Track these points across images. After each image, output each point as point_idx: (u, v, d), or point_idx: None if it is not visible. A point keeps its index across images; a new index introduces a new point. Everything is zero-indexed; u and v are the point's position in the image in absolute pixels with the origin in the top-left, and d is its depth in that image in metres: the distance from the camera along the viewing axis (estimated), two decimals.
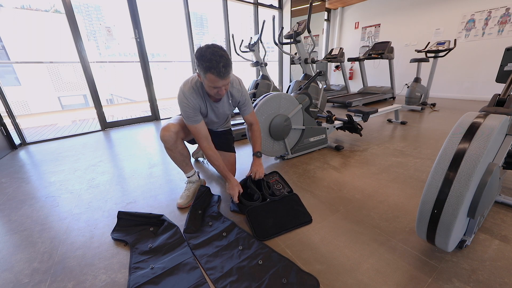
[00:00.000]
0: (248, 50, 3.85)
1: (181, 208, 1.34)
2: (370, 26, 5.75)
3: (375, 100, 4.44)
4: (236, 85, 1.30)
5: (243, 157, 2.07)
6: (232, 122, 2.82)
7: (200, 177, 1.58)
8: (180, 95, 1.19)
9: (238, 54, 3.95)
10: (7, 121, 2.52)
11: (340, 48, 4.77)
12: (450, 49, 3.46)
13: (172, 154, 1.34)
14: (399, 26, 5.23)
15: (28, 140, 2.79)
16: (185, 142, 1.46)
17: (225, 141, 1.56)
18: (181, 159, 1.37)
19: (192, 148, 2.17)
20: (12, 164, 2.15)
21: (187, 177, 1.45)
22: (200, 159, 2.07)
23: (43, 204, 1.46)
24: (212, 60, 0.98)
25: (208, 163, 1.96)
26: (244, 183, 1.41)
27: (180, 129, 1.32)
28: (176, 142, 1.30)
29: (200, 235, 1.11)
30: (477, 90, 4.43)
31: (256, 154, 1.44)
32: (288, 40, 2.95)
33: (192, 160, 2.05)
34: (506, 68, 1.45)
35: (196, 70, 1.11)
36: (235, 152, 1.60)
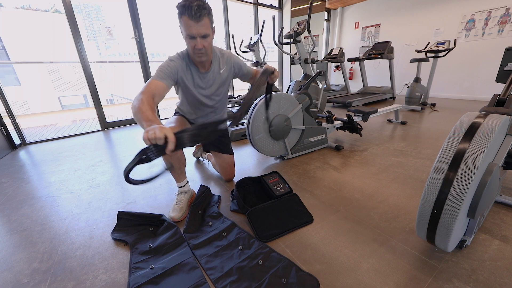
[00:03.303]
0: (248, 50, 3.86)
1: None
2: (370, 26, 5.75)
3: (375, 100, 4.44)
4: (225, 52, 1.27)
5: (243, 157, 2.07)
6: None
7: (196, 180, 1.53)
8: (168, 58, 1.14)
9: (238, 54, 3.95)
10: (7, 121, 2.52)
11: (340, 48, 4.77)
12: (450, 49, 3.46)
13: (169, 159, 1.24)
14: (399, 26, 5.23)
15: (28, 140, 2.79)
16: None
17: (221, 142, 1.50)
18: (177, 166, 1.29)
19: (189, 150, 2.17)
20: (12, 164, 2.15)
21: (179, 187, 1.34)
22: (201, 158, 2.05)
23: (43, 204, 1.46)
24: (186, 1, 0.94)
25: (209, 163, 1.95)
26: (243, 184, 1.38)
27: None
28: None
29: (200, 235, 1.11)
30: (477, 90, 4.43)
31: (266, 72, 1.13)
32: (288, 40, 2.95)
33: (193, 159, 2.05)
34: (506, 68, 1.45)
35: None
36: (233, 154, 1.59)
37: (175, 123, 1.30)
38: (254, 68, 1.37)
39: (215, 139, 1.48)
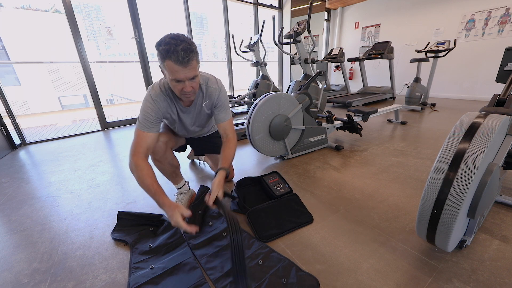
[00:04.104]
0: (248, 50, 3.85)
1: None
2: (370, 26, 5.75)
3: (375, 100, 4.44)
4: (212, 83, 1.11)
5: (243, 157, 2.07)
6: None
7: (195, 181, 1.52)
8: (147, 95, 1.02)
9: (238, 54, 3.95)
10: (7, 121, 2.52)
11: (340, 48, 4.77)
12: (450, 49, 3.46)
13: (161, 166, 1.23)
14: (399, 26, 5.23)
15: (28, 140, 2.79)
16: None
17: (213, 144, 1.45)
18: (170, 170, 1.27)
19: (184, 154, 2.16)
20: (12, 164, 2.15)
21: (177, 189, 1.36)
22: (196, 160, 2.02)
23: (43, 204, 1.46)
24: (170, 44, 0.82)
25: (205, 164, 1.93)
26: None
27: (169, 138, 1.21)
28: (165, 152, 1.20)
29: (200, 235, 1.11)
30: (477, 90, 4.43)
31: (225, 169, 1.05)
32: (288, 40, 2.94)
33: (188, 161, 2.03)
34: (506, 68, 1.45)
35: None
36: None
37: (166, 130, 1.27)
38: (229, 125, 1.17)
39: (206, 142, 1.44)
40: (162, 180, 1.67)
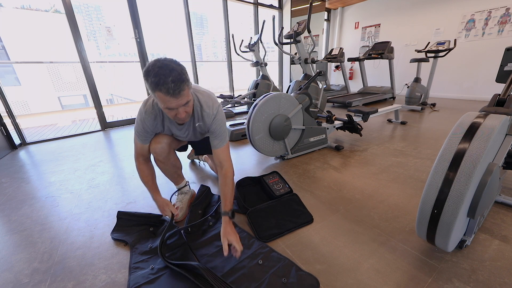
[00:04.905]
0: (248, 50, 3.85)
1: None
2: (370, 26, 5.75)
3: (375, 100, 4.44)
4: (207, 108, 1.03)
5: (243, 157, 2.07)
6: (231, 122, 2.83)
7: (195, 181, 1.51)
8: (140, 110, 1.02)
9: (238, 54, 3.95)
10: (7, 121, 2.52)
11: (340, 48, 4.77)
12: (450, 49, 3.46)
13: (164, 166, 1.22)
14: (399, 26, 5.23)
15: (28, 140, 2.79)
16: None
17: (208, 145, 1.39)
18: (173, 171, 1.27)
19: (185, 153, 2.16)
20: (12, 164, 2.15)
21: (178, 189, 1.36)
22: (197, 160, 2.02)
23: (43, 204, 1.46)
24: (159, 75, 0.78)
25: (205, 164, 1.94)
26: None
27: (172, 139, 1.19)
28: (169, 153, 1.18)
29: (200, 235, 1.11)
30: (477, 90, 4.43)
31: (228, 214, 0.98)
32: (288, 40, 2.94)
33: (188, 161, 2.03)
34: (506, 68, 1.45)
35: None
36: None
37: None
38: (223, 153, 1.10)
39: (208, 144, 1.39)
40: (164, 180, 1.68)
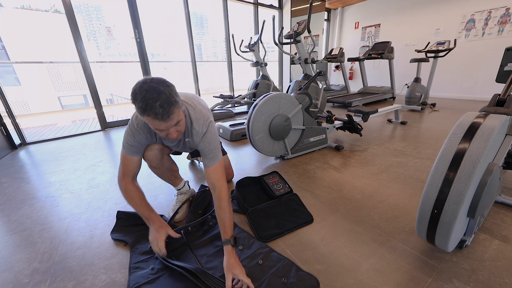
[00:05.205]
0: (248, 50, 3.85)
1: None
2: (370, 26, 5.75)
3: (375, 100, 4.44)
4: (197, 125, 0.97)
5: (243, 157, 2.07)
6: (231, 122, 2.83)
7: (195, 181, 1.49)
8: (130, 122, 0.97)
9: (238, 54, 3.95)
10: (7, 121, 2.52)
11: (340, 48, 4.77)
12: (450, 49, 3.46)
13: (159, 172, 1.21)
14: (399, 26, 5.23)
15: (28, 140, 2.79)
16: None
17: None
18: (169, 175, 1.25)
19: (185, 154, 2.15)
20: (12, 164, 2.15)
21: (177, 190, 1.35)
22: (196, 161, 2.01)
23: (43, 204, 1.46)
24: (147, 99, 0.74)
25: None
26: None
27: (164, 145, 1.14)
28: (162, 159, 1.15)
29: (201, 235, 1.11)
30: (477, 90, 4.43)
31: (230, 242, 0.89)
32: (288, 40, 2.94)
33: (188, 162, 2.02)
34: (506, 68, 1.45)
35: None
36: (226, 153, 1.55)
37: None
38: (214, 172, 0.99)
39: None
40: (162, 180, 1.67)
